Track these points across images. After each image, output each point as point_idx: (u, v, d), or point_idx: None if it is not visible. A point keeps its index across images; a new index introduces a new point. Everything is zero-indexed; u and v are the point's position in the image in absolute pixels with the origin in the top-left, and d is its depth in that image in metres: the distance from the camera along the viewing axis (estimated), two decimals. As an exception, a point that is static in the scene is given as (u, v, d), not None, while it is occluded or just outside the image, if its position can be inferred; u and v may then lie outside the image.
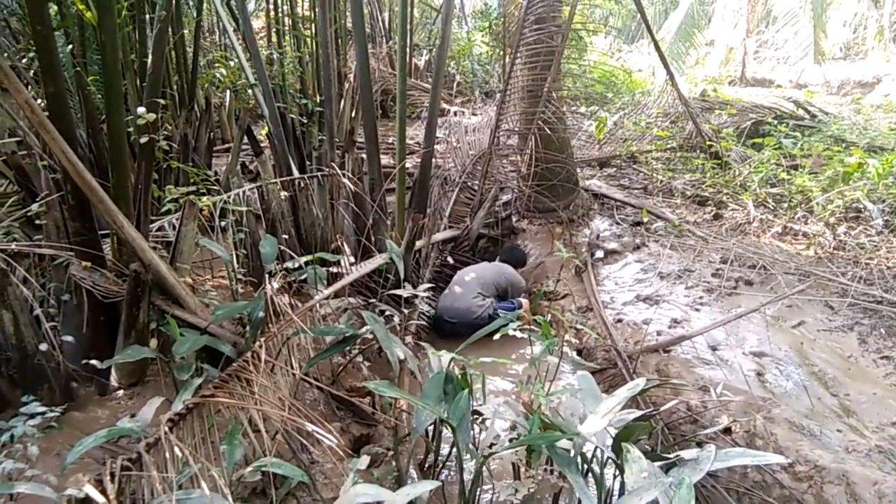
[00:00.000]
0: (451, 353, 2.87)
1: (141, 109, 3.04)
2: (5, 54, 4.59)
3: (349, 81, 9.11)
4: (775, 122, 8.59)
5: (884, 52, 17.36)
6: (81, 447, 2.04)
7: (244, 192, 4.21)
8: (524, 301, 5.04)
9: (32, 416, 2.37)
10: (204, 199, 3.59)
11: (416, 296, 4.12)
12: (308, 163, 5.84)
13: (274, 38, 7.55)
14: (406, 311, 4.20)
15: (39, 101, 3.49)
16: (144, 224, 3.22)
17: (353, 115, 8.51)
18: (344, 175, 4.67)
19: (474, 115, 10.33)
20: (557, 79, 6.07)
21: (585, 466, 2.49)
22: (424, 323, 4.66)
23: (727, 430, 3.04)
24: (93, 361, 2.77)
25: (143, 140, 3.10)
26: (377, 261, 4.24)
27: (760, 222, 5.80)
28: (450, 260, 5.69)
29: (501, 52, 7.16)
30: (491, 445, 2.59)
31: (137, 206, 3.16)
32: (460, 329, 4.54)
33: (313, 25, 6.99)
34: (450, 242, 5.90)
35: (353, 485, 2.09)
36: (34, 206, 3.13)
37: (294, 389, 2.96)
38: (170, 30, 3.67)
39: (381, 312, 3.98)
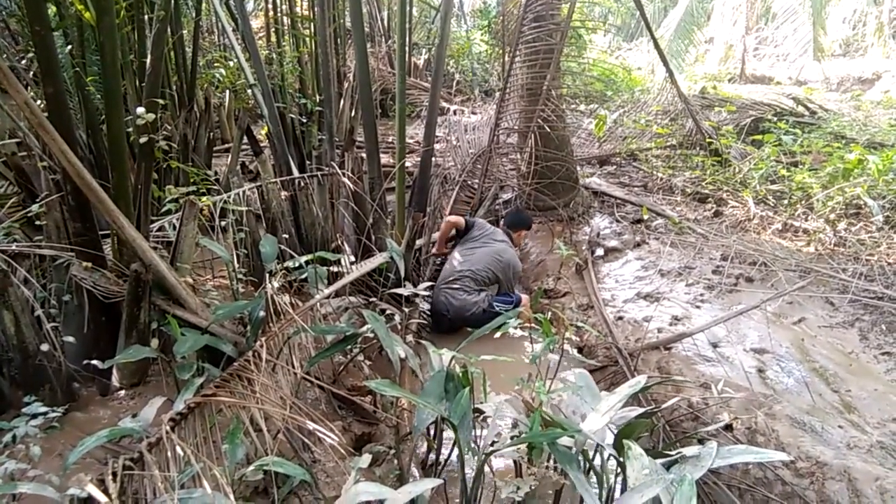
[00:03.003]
0: (452, 352, 2.87)
1: (140, 110, 3.03)
2: (4, 55, 4.59)
3: (348, 81, 9.11)
4: (775, 119, 8.61)
5: (883, 48, 17.39)
6: (83, 447, 2.05)
7: (244, 191, 4.21)
8: (524, 297, 5.03)
9: (34, 416, 2.37)
10: (204, 198, 3.59)
11: (416, 294, 4.13)
12: (308, 162, 5.84)
13: (273, 38, 7.56)
14: (407, 310, 4.20)
15: (39, 101, 3.49)
16: (145, 224, 3.22)
17: (353, 114, 8.51)
18: (344, 174, 4.67)
19: (474, 113, 10.34)
20: (557, 77, 6.08)
21: (587, 464, 2.49)
22: (425, 321, 4.66)
23: (728, 427, 3.04)
24: (94, 362, 2.77)
25: (143, 140, 3.09)
26: (377, 260, 4.24)
27: (761, 219, 5.80)
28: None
29: (500, 51, 7.16)
30: (492, 443, 2.59)
31: (137, 207, 3.16)
32: (455, 323, 4.68)
33: (312, 25, 6.99)
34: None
35: (355, 483, 2.09)
36: (34, 207, 3.12)
37: (295, 388, 2.96)
38: (169, 30, 3.67)
39: (382, 311, 3.98)
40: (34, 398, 2.54)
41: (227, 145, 8.61)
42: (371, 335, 3.24)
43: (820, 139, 7.62)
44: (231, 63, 8.51)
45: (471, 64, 13.60)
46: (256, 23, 10.87)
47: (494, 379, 3.07)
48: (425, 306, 4.76)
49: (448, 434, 2.98)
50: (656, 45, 8.00)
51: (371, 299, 4.12)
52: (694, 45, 14.47)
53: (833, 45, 17.76)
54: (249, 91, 5.89)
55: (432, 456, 3.06)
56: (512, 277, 5.07)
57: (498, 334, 3.15)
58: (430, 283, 4.70)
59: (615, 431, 2.47)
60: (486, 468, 2.63)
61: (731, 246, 5.10)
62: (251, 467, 2.18)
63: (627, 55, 17.94)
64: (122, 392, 3.08)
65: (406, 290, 3.90)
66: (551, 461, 2.61)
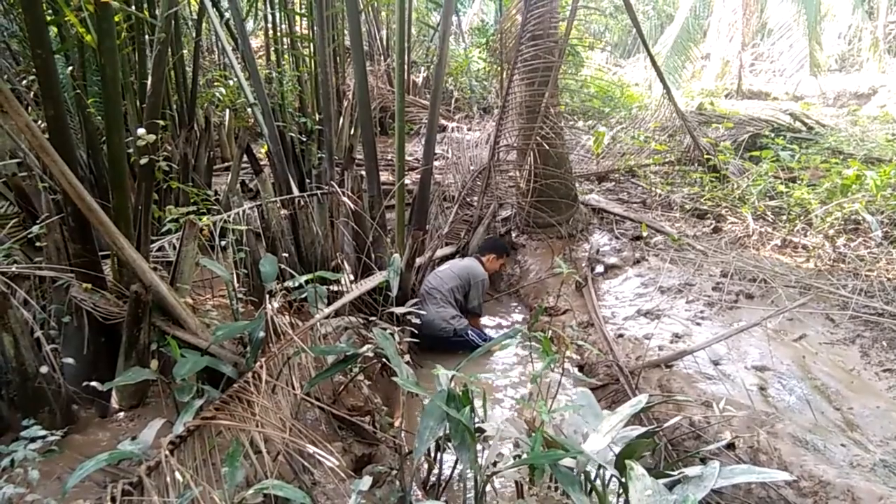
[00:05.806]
0: (452, 371, 2.86)
1: (141, 130, 3.04)
2: (5, 77, 4.62)
3: (348, 99, 9.15)
4: (772, 134, 8.64)
5: (879, 63, 17.49)
6: (82, 471, 2.03)
7: (244, 210, 4.21)
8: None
9: (33, 439, 2.35)
10: (204, 218, 3.59)
11: (409, 313, 4.12)
12: (308, 181, 5.86)
13: (273, 57, 7.60)
14: (400, 329, 4.18)
15: (40, 123, 3.51)
16: (145, 245, 3.22)
17: (352, 132, 8.54)
18: (343, 193, 4.67)
19: (473, 131, 10.36)
20: (555, 94, 6.11)
21: (589, 485, 2.48)
22: (416, 340, 4.66)
23: (731, 446, 3.02)
24: (93, 384, 2.75)
25: (144, 161, 3.10)
26: (377, 278, 4.23)
27: (760, 235, 5.81)
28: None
29: (499, 69, 7.20)
30: (494, 464, 2.57)
31: (138, 227, 3.16)
32: (427, 340, 4.69)
33: (312, 44, 7.04)
34: (449, 259, 5.90)
35: (356, 506, 2.08)
36: (34, 228, 3.13)
37: (295, 410, 2.94)
38: (169, 50, 3.69)
39: (383, 330, 3.96)
40: (33, 421, 2.52)
41: (227, 164, 8.63)
42: (370, 355, 3.23)
43: (818, 155, 7.64)
44: (231, 82, 8.57)
45: (469, 81, 13.67)
46: (256, 42, 10.95)
47: (495, 398, 3.05)
48: (416, 321, 4.77)
49: (448, 454, 2.97)
50: (653, 62, 8.06)
51: (370, 318, 4.11)
52: (690, 61, 14.56)
53: (829, 61, 17.88)
54: (249, 110, 5.92)
55: (433, 476, 3.04)
56: (477, 287, 5.17)
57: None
58: (417, 300, 4.70)
59: (617, 451, 2.46)
60: (488, 489, 2.62)
61: (730, 262, 5.10)
62: (251, 490, 2.16)
63: (624, 72, 18.06)
64: (122, 414, 3.07)
65: (400, 309, 3.88)
66: (553, 481, 2.59)
